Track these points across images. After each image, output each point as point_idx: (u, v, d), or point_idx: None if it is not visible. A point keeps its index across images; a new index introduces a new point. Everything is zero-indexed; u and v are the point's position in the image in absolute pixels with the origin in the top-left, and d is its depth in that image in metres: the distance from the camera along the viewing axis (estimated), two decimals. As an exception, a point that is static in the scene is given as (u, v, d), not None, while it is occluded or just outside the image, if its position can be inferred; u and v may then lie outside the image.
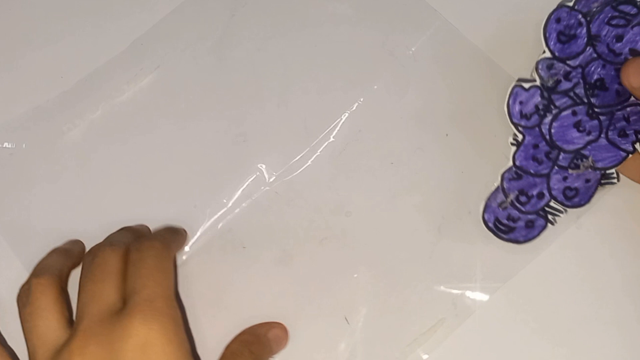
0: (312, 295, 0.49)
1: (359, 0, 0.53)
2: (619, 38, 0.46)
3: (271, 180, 0.51)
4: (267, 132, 0.52)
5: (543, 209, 0.48)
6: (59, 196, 0.51)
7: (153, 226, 0.50)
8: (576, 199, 0.48)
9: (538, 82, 0.47)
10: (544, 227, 0.48)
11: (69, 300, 0.45)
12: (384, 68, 0.52)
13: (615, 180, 0.48)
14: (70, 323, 0.43)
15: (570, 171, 0.47)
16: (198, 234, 0.51)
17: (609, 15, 0.46)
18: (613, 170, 0.47)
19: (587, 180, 0.47)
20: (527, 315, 0.48)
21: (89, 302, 0.41)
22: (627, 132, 0.46)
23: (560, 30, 0.46)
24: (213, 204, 0.51)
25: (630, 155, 0.47)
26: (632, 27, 0.46)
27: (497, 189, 0.48)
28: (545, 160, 0.47)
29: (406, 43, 0.52)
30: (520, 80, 0.47)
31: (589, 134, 0.47)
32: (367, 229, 0.50)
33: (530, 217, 0.48)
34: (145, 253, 0.43)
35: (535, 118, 0.47)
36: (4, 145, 0.52)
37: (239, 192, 0.51)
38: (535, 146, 0.47)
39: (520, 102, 0.47)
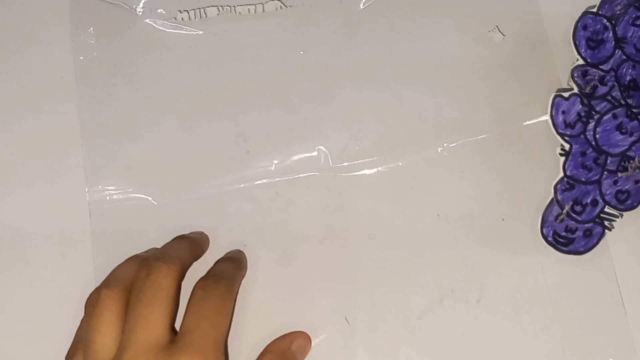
0: (312, 295, 0.48)
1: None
2: None
3: (271, 180, 0.50)
4: (267, 132, 0.51)
5: (599, 216, 0.47)
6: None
7: (158, 230, 0.49)
8: (629, 202, 0.47)
9: (576, 90, 0.46)
10: (602, 234, 0.47)
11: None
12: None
13: (663, 179, 0.47)
14: None
15: (619, 174, 0.47)
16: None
17: (633, 16, 0.47)
18: (660, 169, 0.47)
19: (637, 182, 0.47)
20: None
21: (136, 326, 0.40)
22: None
23: (588, 37, 0.47)
24: (213, 203, 0.50)
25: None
26: None
27: (551, 202, 0.47)
28: (595, 167, 0.47)
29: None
30: (559, 90, 0.47)
31: (631, 135, 0.47)
32: (367, 228, 0.49)
33: (587, 225, 0.47)
34: (209, 292, 0.42)
35: (579, 126, 0.46)
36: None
37: (239, 192, 0.50)
38: (583, 154, 0.47)
39: (563, 112, 0.46)
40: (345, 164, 0.50)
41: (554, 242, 0.47)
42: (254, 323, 0.48)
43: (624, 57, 0.47)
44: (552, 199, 0.47)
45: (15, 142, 0.50)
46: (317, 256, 0.49)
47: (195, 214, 0.50)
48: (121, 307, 0.42)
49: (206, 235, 0.49)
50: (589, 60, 0.47)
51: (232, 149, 0.50)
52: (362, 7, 0.52)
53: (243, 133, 0.51)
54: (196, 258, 0.47)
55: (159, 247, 0.47)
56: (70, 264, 0.48)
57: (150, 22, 0.52)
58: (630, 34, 0.47)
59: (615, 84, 0.47)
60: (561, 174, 0.47)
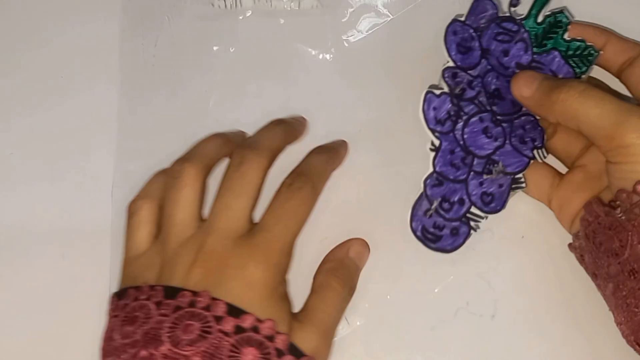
0: None
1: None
2: (506, 52, 0.49)
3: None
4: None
5: (465, 216, 0.47)
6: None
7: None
8: (493, 204, 0.48)
9: (446, 89, 0.47)
10: (468, 234, 0.47)
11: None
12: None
13: (523, 185, 0.48)
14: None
15: (484, 176, 0.47)
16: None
17: (495, 31, 0.49)
18: (521, 175, 0.48)
19: (501, 185, 0.48)
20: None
21: (221, 214, 0.44)
22: (525, 140, 0.48)
23: (458, 42, 0.48)
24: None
25: (532, 162, 0.48)
26: (515, 43, 0.49)
27: (421, 197, 0.47)
28: (462, 166, 0.47)
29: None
30: (431, 87, 0.47)
31: (496, 139, 0.48)
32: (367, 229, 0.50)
33: (454, 224, 0.47)
34: (293, 194, 0.45)
35: (448, 124, 0.47)
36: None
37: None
38: (452, 152, 0.47)
39: (434, 108, 0.47)
40: (346, 163, 0.51)
41: (422, 238, 0.46)
42: None
43: (489, 67, 0.48)
44: (422, 193, 0.46)
45: (42, 137, 0.52)
46: (317, 256, 0.49)
47: None
48: (201, 185, 0.45)
49: (304, 121, 0.51)
50: (458, 63, 0.48)
51: None
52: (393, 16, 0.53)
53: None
54: (290, 143, 0.49)
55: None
56: (70, 265, 0.50)
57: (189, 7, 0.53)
58: (493, 47, 0.48)
59: (482, 90, 0.48)
60: (431, 169, 0.47)
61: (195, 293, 0.41)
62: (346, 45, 0.53)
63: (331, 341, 0.44)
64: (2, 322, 0.49)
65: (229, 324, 0.40)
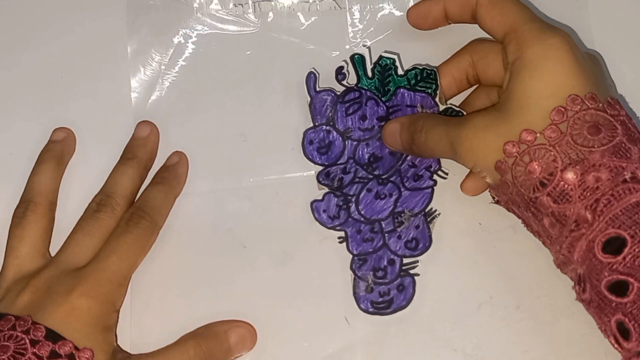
0: (312, 295, 0.51)
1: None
2: (363, 117, 0.54)
3: (271, 179, 0.53)
4: (267, 132, 0.54)
5: (402, 270, 0.52)
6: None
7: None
8: (420, 246, 0.52)
9: (327, 190, 0.53)
10: (414, 282, 0.51)
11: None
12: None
13: (438, 212, 0.52)
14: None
15: (399, 230, 0.52)
16: (198, 233, 0.52)
17: (343, 109, 0.54)
18: (431, 206, 0.52)
19: (417, 227, 0.52)
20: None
21: (67, 249, 0.48)
22: (420, 174, 0.53)
23: (317, 147, 0.54)
24: (213, 203, 0.53)
25: (433, 188, 0.52)
26: (366, 104, 0.54)
27: (355, 281, 0.52)
28: (374, 236, 0.52)
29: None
30: (314, 201, 0.53)
31: (391, 195, 0.53)
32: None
33: (397, 282, 0.51)
34: (129, 228, 0.48)
35: (343, 213, 0.53)
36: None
37: (239, 191, 0.53)
38: (359, 231, 0.52)
39: (324, 211, 0.53)
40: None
41: (376, 311, 0.51)
42: (254, 322, 0.50)
43: (355, 143, 0.54)
44: (354, 278, 0.52)
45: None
46: (317, 256, 0.51)
47: (194, 213, 0.53)
48: (46, 221, 0.50)
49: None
50: (326, 163, 0.54)
51: (232, 148, 0.54)
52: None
53: (243, 133, 0.54)
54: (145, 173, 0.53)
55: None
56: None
57: (203, 16, 0.56)
58: (349, 123, 0.54)
59: (357, 166, 0.53)
60: (350, 256, 0.52)
61: (17, 317, 0.43)
62: (365, 46, 0.56)
63: None
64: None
65: (44, 349, 0.42)
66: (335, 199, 0.53)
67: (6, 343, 0.42)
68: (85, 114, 0.55)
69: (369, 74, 0.54)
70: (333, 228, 0.53)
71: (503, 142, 0.45)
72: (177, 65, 0.56)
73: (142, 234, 0.49)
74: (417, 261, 0.52)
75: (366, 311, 0.51)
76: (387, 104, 0.54)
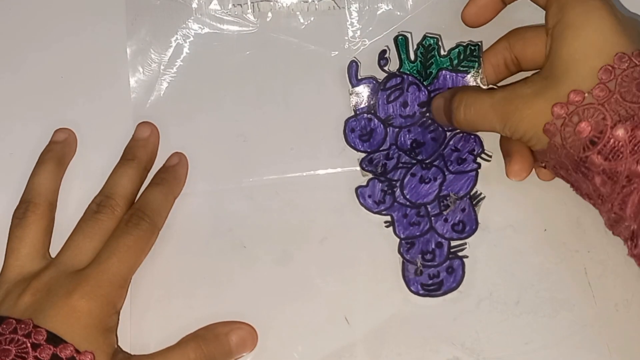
0: (312, 295, 0.50)
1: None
2: (405, 104, 0.54)
3: (271, 179, 0.53)
4: (267, 132, 0.54)
5: (450, 252, 0.52)
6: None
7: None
8: (467, 228, 0.52)
9: (371, 175, 0.54)
10: (463, 264, 0.51)
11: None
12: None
13: (483, 195, 0.53)
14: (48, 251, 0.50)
15: (444, 213, 0.52)
16: (198, 233, 0.52)
17: (384, 96, 0.54)
18: (476, 189, 0.53)
19: (463, 210, 0.52)
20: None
21: (67, 251, 0.48)
22: (463, 157, 0.53)
23: (359, 135, 0.54)
24: (213, 203, 0.53)
25: (477, 171, 0.53)
26: (407, 90, 0.54)
27: (403, 264, 0.52)
28: (421, 220, 0.52)
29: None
30: (358, 187, 0.54)
31: (435, 179, 0.53)
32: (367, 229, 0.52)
33: (445, 264, 0.51)
34: (129, 230, 0.48)
35: (388, 198, 0.53)
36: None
37: (239, 191, 0.53)
38: (405, 215, 0.52)
39: (369, 196, 0.53)
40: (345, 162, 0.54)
41: (427, 293, 0.51)
42: (254, 323, 0.50)
43: (397, 130, 0.54)
44: (402, 261, 0.52)
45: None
46: (317, 256, 0.51)
47: (195, 213, 0.53)
48: (46, 221, 0.49)
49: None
50: (368, 150, 0.54)
51: (232, 148, 0.54)
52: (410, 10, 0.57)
53: (243, 133, 0.54)
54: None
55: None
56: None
57: (202, 16, 0.56)
58: (391, 110, 0.54)
59: (400, 152, 0.54)
60: (398, 239, 0.52)
61: (19, 321, 0.43)
62: (364, 45, 0.56)
63: None
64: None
65: (45, 352, 0.42)
66: (380, 184, 0.53)
67: (8, 347, 0.42)
68: (85, 114, 0.55)
69: (412, 56, 0.54)
70: (379, 213, 0.53)
71: (551, 105, 0.45)
72: (176, 65, 0.56)
73: (141, 236, 0.49)
74: (465, 243, 0.52)
75: (417, 293, 0.51)
76: (429, 88, 0.54)
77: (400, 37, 0.54)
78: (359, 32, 0.57)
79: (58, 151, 0.53)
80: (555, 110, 0.44)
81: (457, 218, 0.52)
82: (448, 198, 0.52)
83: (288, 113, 0.55)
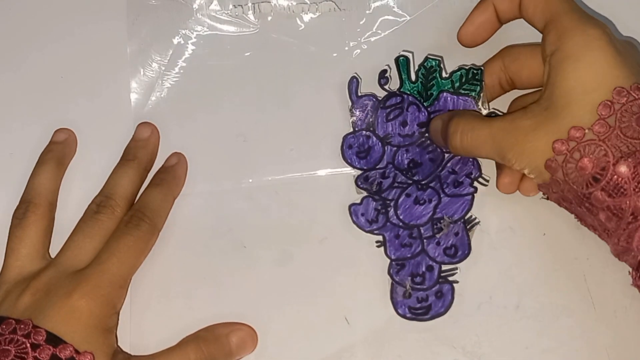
0: (312, 295, 0.50)
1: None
2: (404, 123, 0.54)
3: (271, 180, 0.53)
4: (267, 133, 0.54)
5: (440, 277, 0.51)
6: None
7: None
8: (459, 253, 0.51)
9: (365, 194, 0.53)
10: (452, 289, 0.51)
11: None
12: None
13: (477, 220, 0.52)
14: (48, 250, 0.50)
15: (437, 236, 0.51)
16: (198, 234, 0.52)
17: (384, 114, 0.54)
18: (470, 214, 0.52)
19: (457, 234, 0.51)
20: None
21: (67, 251, 0.48)
22: (460, 180, 0.52)
23: (356, 152, 0.54)
24: (213, 203, 0.53)
25: (474, 195, 0.52)
26: (407, 109, 0.54)
27: (392, 286, 0.51)
28: (413, 242, 0.51)
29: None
30: (352, 204, 0.53)
31: (430, 201, 0.52)
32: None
33: (435, 289, 0.51)
34: (129, 230, 0.48)
35: (381, 218, 0.52)
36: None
37: (239, 191, 0.53)
38: (397, 236, 0.52)
39: (362, 214, 0.52)
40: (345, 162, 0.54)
41: (414, 317, 0.50)
42: (254, 323, 0.50)
43: (395, 149, 0.53)
44: (391, 283, 0.51)
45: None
46: (317, 256, 0.51)
47: (195, 213, 0.53)
48: (46, 222, 0.49)
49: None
50: (364, 167, 0.54)
51: (232, 148, 0.54)
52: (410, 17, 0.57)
53: (243, 133, 0.54)
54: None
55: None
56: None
57: (203, 17, 0.56)
58: (390, 129, 0.53)
59: (396, 172, 0.53)
60: (388, 260, 0.51)
61: (18, 321, 0.43)
62: (365, 47, 0.56)
63: None
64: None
65: (45, 353, 0.42)
66: (374, 203, 0.52)
67: (7, 347, 0.42)
68: (85, 114, 0.55)
69: (413, 77, 0.54)
70: (371, 232, 0.52)
71: (552, 141, 0.44)
72: (176, 66, 0.56)
73: (141, 236, 0.49)
74: (457, 268, 0.51)
75: (404, 316, 0.50)
76: (429, 109, 0.53)
77: (401, 58, 0.54)
78: (359, 33, 0.57)
79: (58, 151, 0.53)
80: (557, 147, 0.44)
81: (450, 242, 0.51)
82: (442, 221, 0.52)
83: (288, 113, 0.55)
